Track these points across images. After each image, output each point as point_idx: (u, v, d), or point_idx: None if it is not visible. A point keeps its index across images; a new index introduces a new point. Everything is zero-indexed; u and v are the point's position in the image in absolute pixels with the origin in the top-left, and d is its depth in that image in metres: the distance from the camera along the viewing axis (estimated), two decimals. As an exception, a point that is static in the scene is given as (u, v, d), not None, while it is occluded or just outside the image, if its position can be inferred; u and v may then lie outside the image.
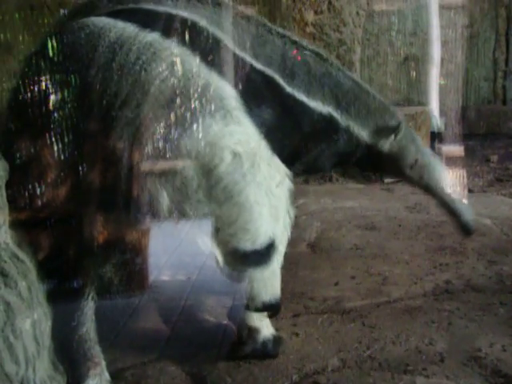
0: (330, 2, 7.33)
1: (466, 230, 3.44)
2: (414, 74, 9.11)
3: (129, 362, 3.07)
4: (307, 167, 3.22)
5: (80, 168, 2.65)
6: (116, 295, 3.75)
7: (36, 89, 2.61)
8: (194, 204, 2.73)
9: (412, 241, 4.73)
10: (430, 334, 3.20)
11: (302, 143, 3.03)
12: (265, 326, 3.08)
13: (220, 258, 2.88)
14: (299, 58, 2.93)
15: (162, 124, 2.58)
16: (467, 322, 3.34)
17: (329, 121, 3.01)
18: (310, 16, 7.16)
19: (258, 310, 2.99)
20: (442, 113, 6.52)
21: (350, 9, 7.52)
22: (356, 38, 7.55)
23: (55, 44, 2.61)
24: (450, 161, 6.09)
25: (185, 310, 3.68)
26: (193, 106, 2.59)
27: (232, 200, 2.73)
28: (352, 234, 4.93)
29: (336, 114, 3.02)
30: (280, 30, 3.00)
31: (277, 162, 2.86)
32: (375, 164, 3.36)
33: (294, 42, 2.99)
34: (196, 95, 2.58)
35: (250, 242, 2.79)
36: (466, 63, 9.87)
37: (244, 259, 2.84)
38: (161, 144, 2.58)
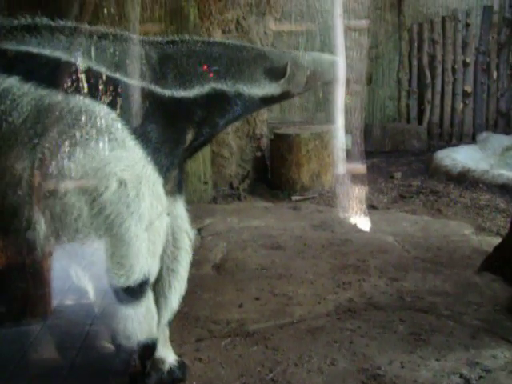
0: (237, 22, 7.40)
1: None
2: (321, 92, 9.29)
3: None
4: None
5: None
6: (16, 322, 3.62)
7: None
8: (71, 233, 2.54)
9: (317, 260, 4.76)
10: (332, 354, 3.24)
11: (198, 131, 2.89)
12: (169, 354, 3.02)
13: None
14: (165, 57, 2.76)
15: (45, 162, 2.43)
16: (368, 340, 3.40)
17: (216, 96, 2.83)
18: (217, 35, 7.19)
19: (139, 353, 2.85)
20: (348, 131, 6.65)
21: (258, 28, 7.61)
22: (264, 58, 7.62)
23: None
24: (355, 178, 6.27)
25: (89, 336, 3.58)
26: (74, 136, 2.44)
27: (112, 231, 2.55)
28: (257, 254, 4.93)
29: (221, 86, 2.83)
30: (146, 38, 2.83)
31: (159, 190, 2.68)
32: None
33: (158, 44, 2.81)
34: (73, 126, 2.44)
35: (124, 279, 2.60)
36: (372, 83, 10.17)
37: (116, 295, 2.67)
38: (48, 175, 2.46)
